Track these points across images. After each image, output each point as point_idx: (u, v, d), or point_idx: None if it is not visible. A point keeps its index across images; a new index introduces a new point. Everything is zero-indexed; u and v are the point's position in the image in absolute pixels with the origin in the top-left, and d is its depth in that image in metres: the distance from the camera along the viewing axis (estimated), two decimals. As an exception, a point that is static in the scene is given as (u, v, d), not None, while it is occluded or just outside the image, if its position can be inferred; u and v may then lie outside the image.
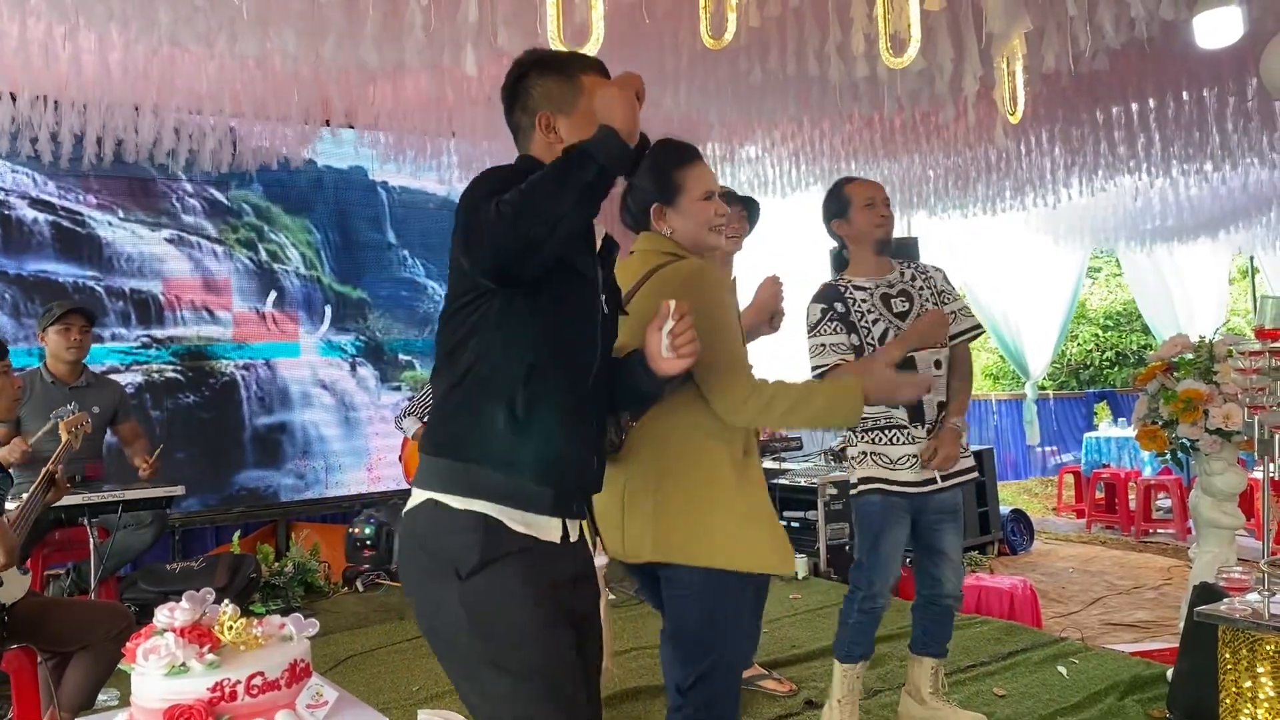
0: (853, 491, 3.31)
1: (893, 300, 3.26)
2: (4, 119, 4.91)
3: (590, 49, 2.80)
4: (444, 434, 1.78)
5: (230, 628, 1.51)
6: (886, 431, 3.23)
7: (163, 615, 1.49)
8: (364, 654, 4.62)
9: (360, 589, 5.96)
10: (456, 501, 1.72)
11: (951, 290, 3.38)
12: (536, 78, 1.86)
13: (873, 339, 3.19)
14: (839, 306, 3.21)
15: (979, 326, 3.39)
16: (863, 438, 3.27)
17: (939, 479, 3.23)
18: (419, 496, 1.78)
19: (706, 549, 2.17)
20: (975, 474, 3.41)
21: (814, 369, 3.19)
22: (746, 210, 3.65)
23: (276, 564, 5.76)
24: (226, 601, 1.55)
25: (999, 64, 3.34)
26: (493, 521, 1.71)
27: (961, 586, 3.43)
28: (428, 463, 1.80)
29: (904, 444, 3.21)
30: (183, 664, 1.43)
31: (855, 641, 3.28)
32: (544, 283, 1.70)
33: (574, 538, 1.85)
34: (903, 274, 3.33)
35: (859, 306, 3.22)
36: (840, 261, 3.45)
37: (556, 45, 2.79)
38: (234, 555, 5.51)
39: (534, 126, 1.85)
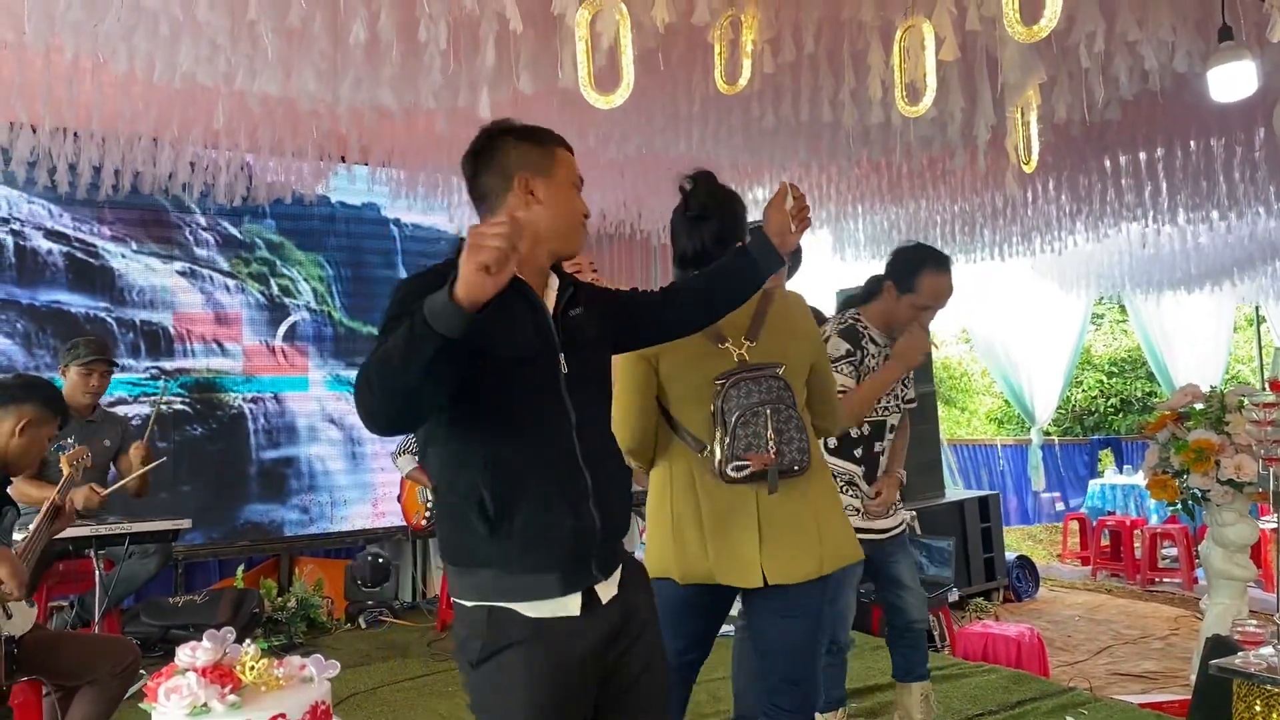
0: None
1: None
2: (24, 150, 4.95)
3: (620, 95, 2.83)
4: (442, 539, 1.83)
5: (252, 668, 1.50)
6: (849, 485, 3.30)
7: (184, 654, 1.48)
8: (366, 692, 4.58)
9: (363, 625, 5.93)
10: (468, 601, 1.78)
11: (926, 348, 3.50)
12: (512, 142, 1.87)
13: None
14: (858, 354, 3.28)
15: (915, 399, 3.55)
16: None
17: (882, 530, 3.35)
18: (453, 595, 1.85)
19: (854, 549, 2.49)
20: (905, 530, 3.51)
21: None
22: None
23: (279, 599, 5.72)
24: (248, 641, 1.55)
25: (1012, 114, 3.38)
26: (498, 611, 1.74)
27: (926, 609, 3.55)
28: (446, 567, 1.87)
29: (852, 498, 3.30)
30: (204, 704, 1.43)
31: (829, 688, 3.33)
32: (475, 380, 1.69)
33: (605, 597, 1.83)
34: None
35: (868, 361, 3.30)
36: (868, 295, 3.45)
37: (587, 91, 2.82)
38: (237, 590, 5.49)
39: (509, 190, 1.84)
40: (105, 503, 4.20)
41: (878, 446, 3.33)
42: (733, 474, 2.28)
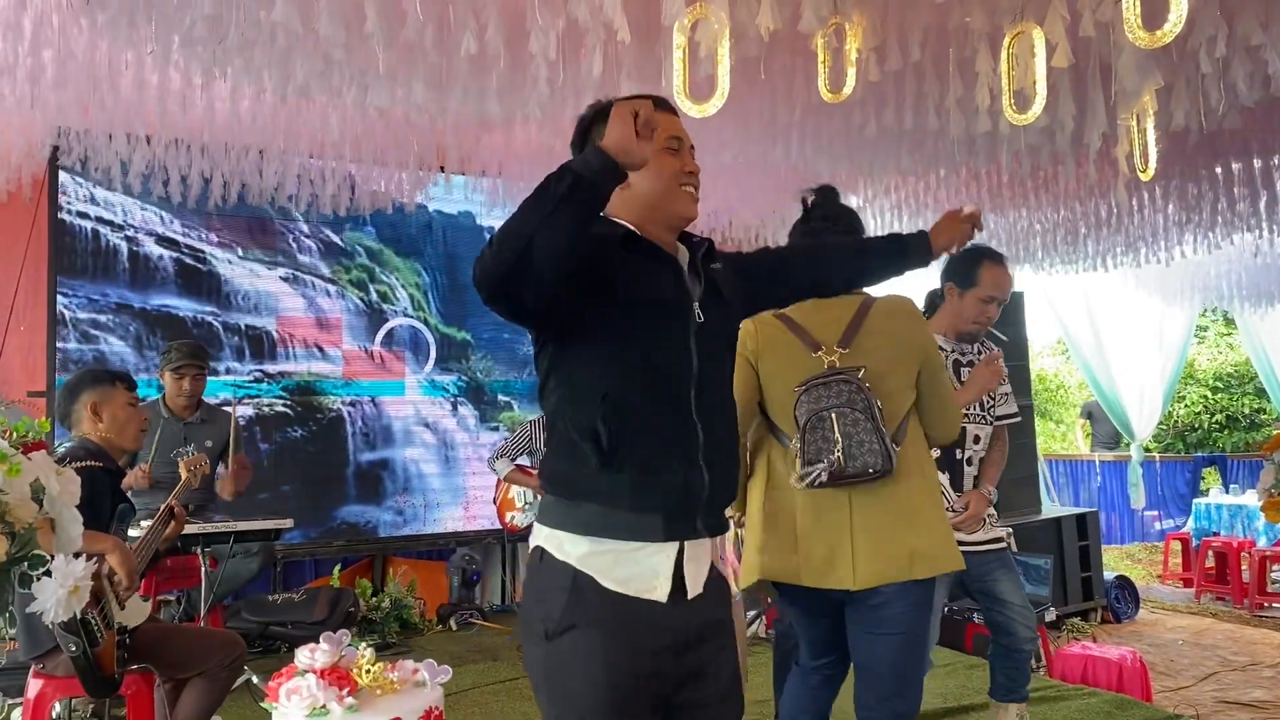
0: None
1: (962, 369, 3.33)
2: (140, 161, 5.16)
3: (714, 104, 2.83)
4: (549, 471, 1.80)
5: (367, 671, 1.53)
6: None
7: (304, 656, 1.52)
8: (458, 694, 4.63)
9: (454, 627, 6.01)
10: (558, 553, 1.73)
11: (1004, 373, 3.43)
12: (597, 126, 1.84)
13: None
14: None
15: (1017, 415, 3.50)
16: None
17: (974, 542, 3.27)
18: (536, 535, 1.80)
19: (951, 557, 2.44)
20: (1005, 546, 3.42)
21: None
22: None
23: (374, 599, 5.83)
24: (364, 644, 1.58)
25: (1127, 121, 3.28)
26: (584, 579, 1.70)
27: (1035, 628, 3.42)
28: (543, 498, 1.82)
29: None
30: (323, 706, 1.46)
31: None
32: (601, 314, 1.73)
33: (693, 591, 1.77)
34: (973, 346, 3.40)
35: None
36: (930, 308, 3.46)
37: (681, 99, 2.83)
38: (333, 589, 5.62)
39: None
40: (150, 482, 4.35)
41: (958, 454, 3.28)
42: (798, 484, 2.34)
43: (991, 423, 3.38)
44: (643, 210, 1.84)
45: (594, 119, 1.88)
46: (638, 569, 1.71)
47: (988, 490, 3.31)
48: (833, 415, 2.30)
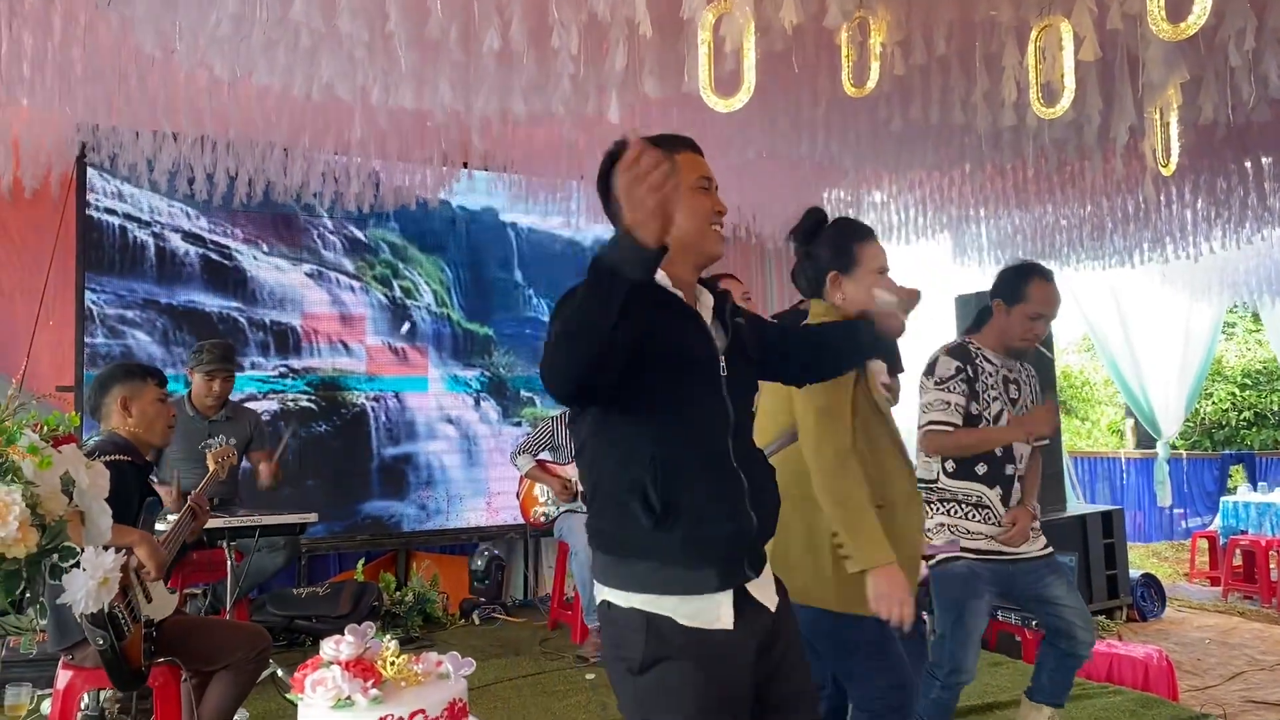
0: (932, 562, 3.26)
1: (1010, 385, 3.30)
2: (166, 158, 5.20)
3: (740, 99, 2.82)
4: (598, 528, 1.83)
5: (392, 663, 1.54)
6: (977, 509, 3.23)
7: (329, 648, 1.53)
8: (480, 689, 4.65)
9: (476, 622, 6.03)
10: (621, 599, 1.77)
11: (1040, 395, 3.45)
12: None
13: (989, 415, 3.22)
14: (970, 370, 3.23)
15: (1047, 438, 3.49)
16: (940, 509, 3.27)
17: (1021, 552, 3.24)
18: (599, 591, 1.83)
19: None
20: (1052, 552, 3.39)
21: (927, 422, 3.21)
22: None
23: (397, 593, 5.86)
24: (388, 637, 1.58)
25: (1151, 114, 3.24)
26: (656, 619, 1.73)
27: (1093, 630, 3.36)
28: (595, 556, 1.85)
29: (983, 523, 3.22)
30: (348, 698, 1.47)
31: (934, 716, 3.21)
32: (643, 375, 1.72)
33: (758, 595, 1.83)
34: (1019, 364, 3.38)
35: (984, 379, 3.25)
36: (978, 323, 3.41)
37: (707, 95, 2.82)
38: (357, 583, 5.66)
39: None
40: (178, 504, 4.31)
41: (1009, 470, 3.24)
42: None
43: (1032, 444, 3.35)
44: (674, 250, 1.81)
45: (615, 157, 1.86)
46: (701, 605, 1.75)
47: (1033, 506, 3.30)
48: None
